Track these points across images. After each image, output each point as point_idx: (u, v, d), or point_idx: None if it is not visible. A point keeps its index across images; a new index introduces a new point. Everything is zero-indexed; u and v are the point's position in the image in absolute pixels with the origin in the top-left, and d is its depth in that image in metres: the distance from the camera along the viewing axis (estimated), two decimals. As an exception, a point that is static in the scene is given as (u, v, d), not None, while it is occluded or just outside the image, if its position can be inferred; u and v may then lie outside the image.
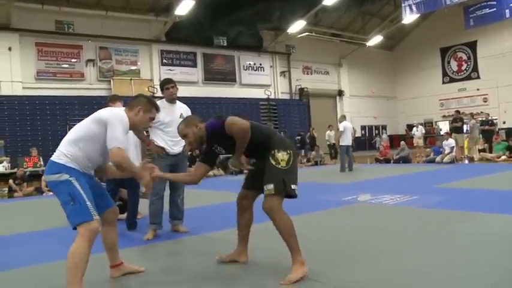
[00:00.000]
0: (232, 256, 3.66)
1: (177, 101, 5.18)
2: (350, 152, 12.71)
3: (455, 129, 15.60)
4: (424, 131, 18.60)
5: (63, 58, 17.56)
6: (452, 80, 26.97)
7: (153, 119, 3.43)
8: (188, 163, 5.92)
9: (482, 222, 4.93)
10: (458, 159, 14.31)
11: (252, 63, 22.90)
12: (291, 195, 3.20)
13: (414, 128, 18.59)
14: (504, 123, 24.25)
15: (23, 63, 16.58)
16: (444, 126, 26.00)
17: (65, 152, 3.05)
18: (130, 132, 3.50)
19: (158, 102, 5.03)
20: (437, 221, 5.13)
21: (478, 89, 25.70)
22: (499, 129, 21.10)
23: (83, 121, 3.21)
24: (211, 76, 21.14)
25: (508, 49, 24.14)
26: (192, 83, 20.38)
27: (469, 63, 26.26)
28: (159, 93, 18.53)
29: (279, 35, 23.10)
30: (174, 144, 5.07)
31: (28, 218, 7.61)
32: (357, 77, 27.26)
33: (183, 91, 19.17)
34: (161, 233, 5.08)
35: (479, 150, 14.98)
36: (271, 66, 23.72)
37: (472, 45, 25.86)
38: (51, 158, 3.10)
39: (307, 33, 22.73)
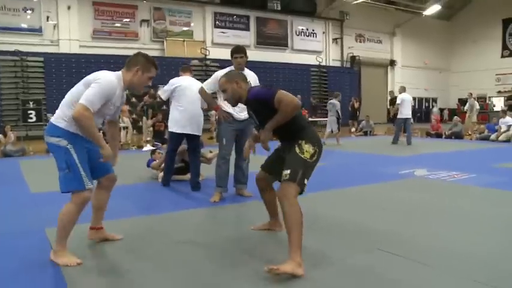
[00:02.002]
0: (266, 226, 3.84)
1: (246, 69, 5.23)
2: (409, 126, 12.44)
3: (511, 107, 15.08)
4: (478, 107, 18.00)
5: (119, 17, 17.87)
6: None
7: (152, 78, 3.35)
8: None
9: None
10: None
11: (304, 28, 22.63)
12: (302, 189, 3.07)
13: (467, 103, 18.02)
14: None
15: (80, 22, 17.02)
16: (498, 103, 25.09)
17: (63, 115, 3.10)
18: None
19: (227, 69, 5.11)
20: (502, 201, 5.08)
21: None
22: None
23: (78, 83, 3.21)
24: (264, 40, 21.05)
25: None
26: (245, 46, 20.24)
27: (532, 36, 25.00)
28: (211, 55, 18.91)
29: (334, 1, 22.63)
30: (240, 111, 5.17)
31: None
32: (410, 47, 26.51)
33: (235, 55, 19.45)
34: (226, 196, 5.25)
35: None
36: (323, 33, 23.37)
37: (537, 18, 24.53)
38: (51, 120, 3.18)
39: (363, 0, 22.15)
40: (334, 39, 23.88)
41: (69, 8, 16.67)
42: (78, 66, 16.17)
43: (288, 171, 3.04)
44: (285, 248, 2.91)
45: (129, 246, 3.45)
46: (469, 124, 16.56)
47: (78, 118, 2.95)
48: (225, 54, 19.39)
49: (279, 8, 21.15)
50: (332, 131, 12.96)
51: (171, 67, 17.77)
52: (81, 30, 17.06)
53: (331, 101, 13.24)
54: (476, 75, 26.70)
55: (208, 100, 5.30)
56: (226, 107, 5.15)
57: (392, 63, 26.15)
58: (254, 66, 5.05)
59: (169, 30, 18.77)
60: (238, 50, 5.22)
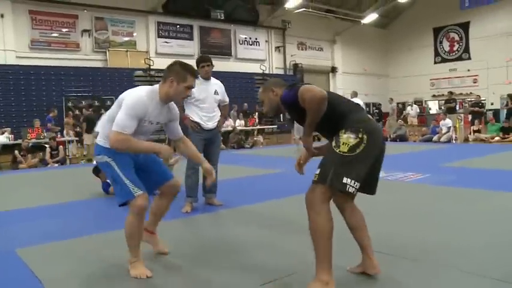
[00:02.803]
0: (360, 268, 2.94)
1: (212, 78, 5.27)
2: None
3: (450, 110, 15.90)
4: (418, 110, 18.83)
5: (58, 27, 17.20)
6: (443, 60, 27.20)
7: (191, 87, 3.11)
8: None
9: (506, 200, 5.16)
10: (454, 139, 14.61)
11: (247, 37, 22.78)
12: (340, 189, 2.55)
13: (409, 107, 18.82)
14: (492, 104, 24.63)
15: (16, 32, 16.20)
16: (434, 106, 26.34)
17: (102, 133, 3.13)
18: None
19: None
20: (463, 198, 5.37)
21: (468, 70, 25.98)
22: (486, 110, 21.42)
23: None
24: (207, 49, 20.97)
25: (499, 31, 24.39)
26: (188, 56, 20.18)
27: (461, 43, 26.46)
28: (155, 66, 18.64)
29: (276, 10, 22.97)
30: (208, 120, 5.25)
31: (44, 189, 7.67)
32: (350, 54, 27.31)
33: (180, 64, 19.28)
34: (196, 206, 5.21)
35: (474, 131, 15.27)
36: (266, 41, 23.63)
37: (465, 26, 26.01)
38: (96, 140, 3.22)
39: (304, 9, 22.64)
40: (277, 48, 24.21)
41: (2, 16, 15.86)
42: (16, 78, 15.40)
43: (317, 171, 2.62)
44: (270, 252, 2.92)
45: (112, 259, 3.36)
46: (388, 126, 17.41)
47: (115, 146, 2.92)
48: (169, 63, 19.55)
49: (223, 18, 21.18)
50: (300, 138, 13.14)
51: (114, 78, 17.44)
52: (17, 40, 16.26)
53: None
54: (412, 80, 27.92)
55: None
56: (193, 116, 5.18)
57: (333, 70, 26.81)
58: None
59: (111, 41, 18.31)
60: (205, 59, 5.32)
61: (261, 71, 22.16)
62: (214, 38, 21.43)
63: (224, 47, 21.73)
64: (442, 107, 18.54)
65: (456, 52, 26.70)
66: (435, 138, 14.48)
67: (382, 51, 29.23)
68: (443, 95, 24.71)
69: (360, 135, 2.58)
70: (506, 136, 14.31)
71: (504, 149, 11.64)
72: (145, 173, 3.18)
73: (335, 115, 2.69)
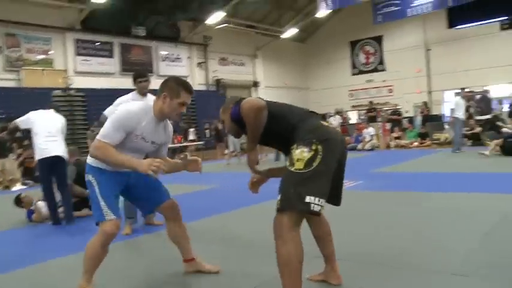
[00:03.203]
0: (321, 276, 2.95)
1: (149, 94, 5.08)
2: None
3: (371, 118, 16.57)
4: (341, 120, 19.44)
5: (-37, 45, 16.08)
6: (360, 72, 28.38)
7: (185, 103, 2.96)
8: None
9: (441, 199, 5.44)
10: (377, 146, 15.21)
11: (169, 53, 22.47)
12: (306, 211, 2.34)
13: (331, 118, 19.37)
14: (407, 112, 25.96)
15: None
16: (353, 116, 27.34)
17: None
18: None
19: (130, 94, 4.95)
20: (402, 201, 5.54)
21: (384, 81, 27.26)
22: (403, 118, 22.56)
23: None
24: (129, 67, 20.41)
25: (409, 44, 25.88)
26: (109, 74, 19.65)
27: (376, 56, 27.77)
28: (75, 85, 17.88)
29: (197, 26, 22.90)
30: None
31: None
32: (271, 69, 27.76)
33: (99, 82, 18.67)
34: (135, 227, 4.98)
35: (395, 138, 16.00)
36: (188, 57, 23.46)
37: (379, 40, 27.36)
38: None
39: (225, 25, 22.76)
40: (199, 64, 24.09)
41: None
42: None
43: (278, 197, 2.37)
44: (225, 269, 2.81)
45: None
46: None
47: (94, 154, 2.82)
48: (90, 82, 18.68)
49: (144, 34, 20.79)
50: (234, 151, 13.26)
51: (29, 98, 16.39)
52: None
53: None
54: (332, 92, 28.83)
55: None
56: None
57: (255, 84, 27.10)
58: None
59: (25, 59, 17.31)
60: (141, 74, 5.13)
61: (184, 87, 21.90)
62: (136, 55, 20.95)
63: (146, 64, 21.26)
64: (363, 116, 19.30)
65: (372, 64, 27.98)
66: (359, 146, 15.00)
67: (301, 64, 29.98)
68: (362, 105, 25.76)
69: (314, 147, 2.37)
70: (423, 141, 15.15)
71: (423, 154, 12.30)
72: (137, 194, 3.12)
73: (285, 128, 2.56)
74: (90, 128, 15.06)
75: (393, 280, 2.93)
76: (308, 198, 2.29)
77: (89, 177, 2.94)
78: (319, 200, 2.32)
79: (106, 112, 4.98)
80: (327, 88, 29.26)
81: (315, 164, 2.34)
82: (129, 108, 2.93)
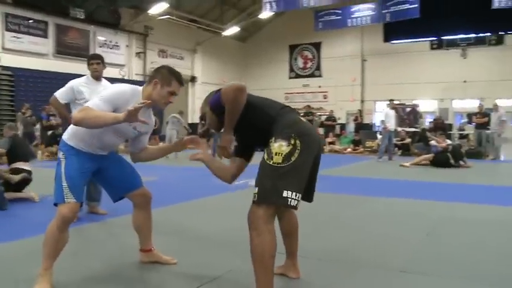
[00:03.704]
0: (280, 269, 2.95)
1: (103, 79, 4.87)
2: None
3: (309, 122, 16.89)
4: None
5: None
6: (297, 76, 28.94)
7: (174, 93, 2.89)
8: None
9: (379, 203, 5.66)
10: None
11: (107, 40, 21.74)
12: (281, 203, 2.35)
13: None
14: (339, 119, 26.76)
15: None
16: (288, 119, 27.79)
17: (69, 128, 2.88)
18: None
19: (83, 78, 4.71)
20: (343, 203, 5.70)
21: (320, 86, 27.92)
22: (336, 124, 23.21)
23: None
24: (64, 50, 19.58)
25: (346, 53, 26.75)
26: (42, 54, 18.68)
27: (313, 61, 28.42)
28: (3, 63, 16.81)
29: (139, 15, 22.35)
30: None
31: None
32: (210, 65, 27.60)
33: (30, 62, 17.69)
34: (79, 215, 4.73)
35: (329, 143, 16.40)
36: (127, 46, 22.82)
37: (317, 46, 28.04)
38: None
39: (167, 16, 22.36)
40: (138, 53, 23.51)
41: None
42: None
43: (255, 190, 2.37)
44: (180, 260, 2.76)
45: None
46: None
47: (76, 118, 2.60)
48: (20, 61, 17.62)
49: (83, 17, 19.95)
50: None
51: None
52: None
53: (175, 115, 14.13)
54: (269, 93, 28.31)
55: (62, 111, 4.78)
56: None
57: (193, 79, 26.86)
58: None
59: None
60: (95, 56, 4.94)
61: (120, 76, 21.28)
62: (72, 38, 20.04)
63: (82, 48, 20.39)
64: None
65: (309, 69, 28.61)
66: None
67: (241, 63, 30.08)
68: (297, 108, 26.13)
69: (292, 141, 2.37)
70: (357, 148, 15.67)
71: (357, 160, 12.72)
72: (109, 178, 3.02)
73: (263, 120, 2.54)
74: (21, 109, 14.26)
75: (351, 277, 3.06)
76: (285, 193, 2.31)
77: (59, 154, 2.83)
78: (296, 195, 2.34)
79: (57, 94, 4.72)
80: (264, 89, 29.32)
81: (293, 159, 2.35)
82: (121, 86, 2.86)
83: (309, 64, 28.62)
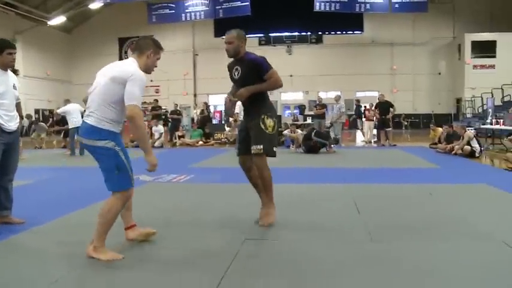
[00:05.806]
0: (261, 214, 4.20)
1: (9, 70, 4.36)
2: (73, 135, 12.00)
3: (157, 116, 16.78)
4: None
5: None
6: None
7: (159, 59, 3.44)
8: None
9: (286, 189, 5.81)
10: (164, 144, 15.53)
11: None
12: (273, 155, 4.08)
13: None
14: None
15: None
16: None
17: (103, 117, 3.11)
18: None
19: None
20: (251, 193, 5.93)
21: (151, 80, 27.59)
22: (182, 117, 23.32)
23: (102, 80, 3.18)
24: None
25: (179, 47, 27.05)
26: None
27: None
28: None
29: None
30: (9, 120, 4.33)
31: None
32: (32, 57, 25.31)
33: None
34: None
35: (179, 136, 16.52)
36: None
37: (147, 39, 27.69)
38: (89, 122, 3.13)
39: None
40: None
41: None
42: None
43: (261, 147, 3.97)
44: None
45: None
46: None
47: (134, 117, 3.00)
48: None
49: None
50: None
51: None
52: None
53: None
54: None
55: None
56: None
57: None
58: None
59: None
60: (11, 45, 4.39)
61: None
62: None
63: None
64: (148, 114, 19.10)
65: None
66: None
67: (66, 56, 28.29)
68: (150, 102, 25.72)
69: (274, 119, 4.11)
70: (208, 141, 16.17)
71: (216, 152, 12.98)
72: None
73: (263, 94, 4.13)
74: None
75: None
76: (274, 149, 4.11)
77: (110, 144, 3.08)
78: (275, 149, 4.14)
79: None
80: (91, 83, 28.14)
81: (275, 130, 4.11)
82: (141, 72, 3.20)
83: (123, 58, 28.16)
